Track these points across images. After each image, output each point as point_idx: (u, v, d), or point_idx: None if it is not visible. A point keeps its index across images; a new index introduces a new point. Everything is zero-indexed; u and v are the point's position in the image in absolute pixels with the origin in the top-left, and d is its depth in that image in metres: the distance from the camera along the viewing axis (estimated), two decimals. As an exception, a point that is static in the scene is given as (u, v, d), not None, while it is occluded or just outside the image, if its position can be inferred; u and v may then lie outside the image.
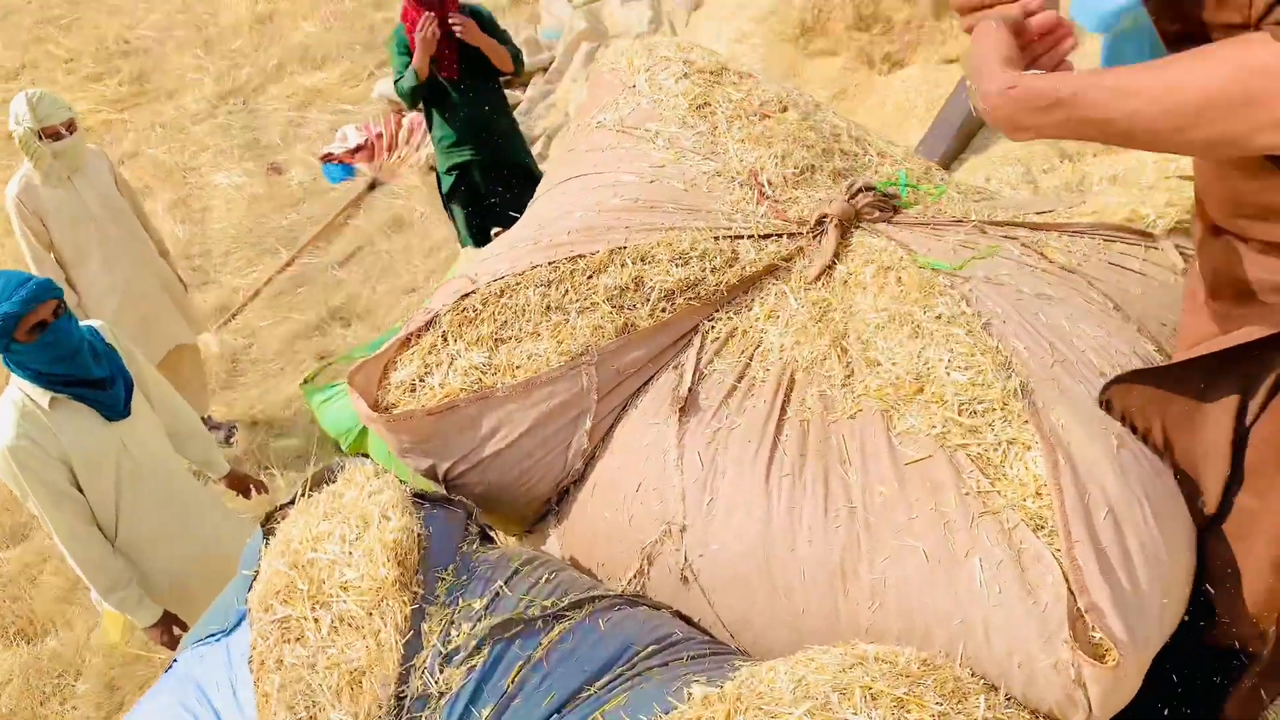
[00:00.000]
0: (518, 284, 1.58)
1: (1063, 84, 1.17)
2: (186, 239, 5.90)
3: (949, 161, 3.50)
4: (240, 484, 3.14)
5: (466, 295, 1.59)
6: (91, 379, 2.48)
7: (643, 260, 1.58)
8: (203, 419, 4.41)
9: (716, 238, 1.64)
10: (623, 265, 1.58)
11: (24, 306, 2.33)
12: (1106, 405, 1.42)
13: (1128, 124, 1.14)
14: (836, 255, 1.64)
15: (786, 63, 5.38)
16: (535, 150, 5.99)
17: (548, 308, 1.57)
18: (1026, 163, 3.44)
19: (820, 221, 1.67)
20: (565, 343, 1.56)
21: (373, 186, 6.02)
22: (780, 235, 1.68)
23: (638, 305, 1.59)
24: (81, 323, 2.56)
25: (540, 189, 2.01)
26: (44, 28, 8.98)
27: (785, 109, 1.85)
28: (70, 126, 3.63)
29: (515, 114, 6.30)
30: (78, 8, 9.29)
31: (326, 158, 6.29)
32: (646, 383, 1.63)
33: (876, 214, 1.69)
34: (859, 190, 1.69)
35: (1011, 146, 3.60)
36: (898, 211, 1.72)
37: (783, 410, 1.48)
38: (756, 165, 1.73)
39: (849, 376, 1.50)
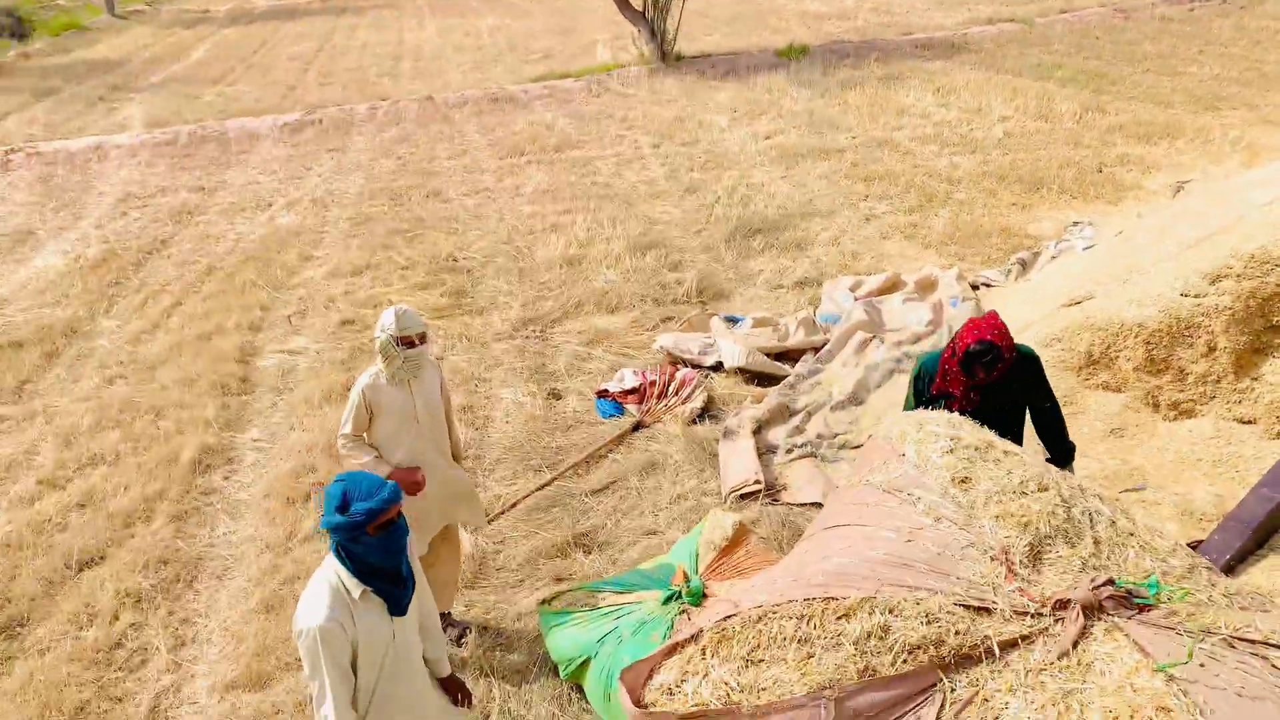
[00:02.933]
0: (774, 614, 1.68)
1: None
2: (465, 441, 6.50)
3: (1240, 559, 3.25)
4: (454, 689, 3.29)
5: (729, 617, 1.70)
6: (401, 576, 2.79)
7: (890, 612, 1.65)
8: (443, 614, 4.74)
9: (965, 606, 1.68)
10: (871, 613, 1.65)
11: (386, 505, 2.66)
12: None
13: None
14: (1077, 641, 1.64)
15: (1065, 389, 5.34)
16: (794, 422, 6.19)
17: (798, 640, 1.65)
18: (1332, 576, 3.15)
19: (1063, 605, 1.68)
20: (810, 675, 1.62)
21: (637, 428, 6.42)
22: (1026, 614, 1.70)
23: (881, 653, 1.64)
24: None
25: (808, 531, 2.14)
26: (393, 237, 10.57)
27: (1045, 489, 1.90)
28: (423, 338, 4.24)
29: (780, 386, 6.61)
30: (423, 225, 10.91)
31: (602, 393, 6.83)
32: (881, 729, 1.64)
33: (1120, 608, 1.68)
34: (1104, 584, 1.70)
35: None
36: (1141, 610, 1.71)
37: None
38: (1008, 543, 1.78)
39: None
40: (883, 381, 6.43)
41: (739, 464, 5.76)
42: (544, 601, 4.53)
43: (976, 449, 2.02)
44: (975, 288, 7.67)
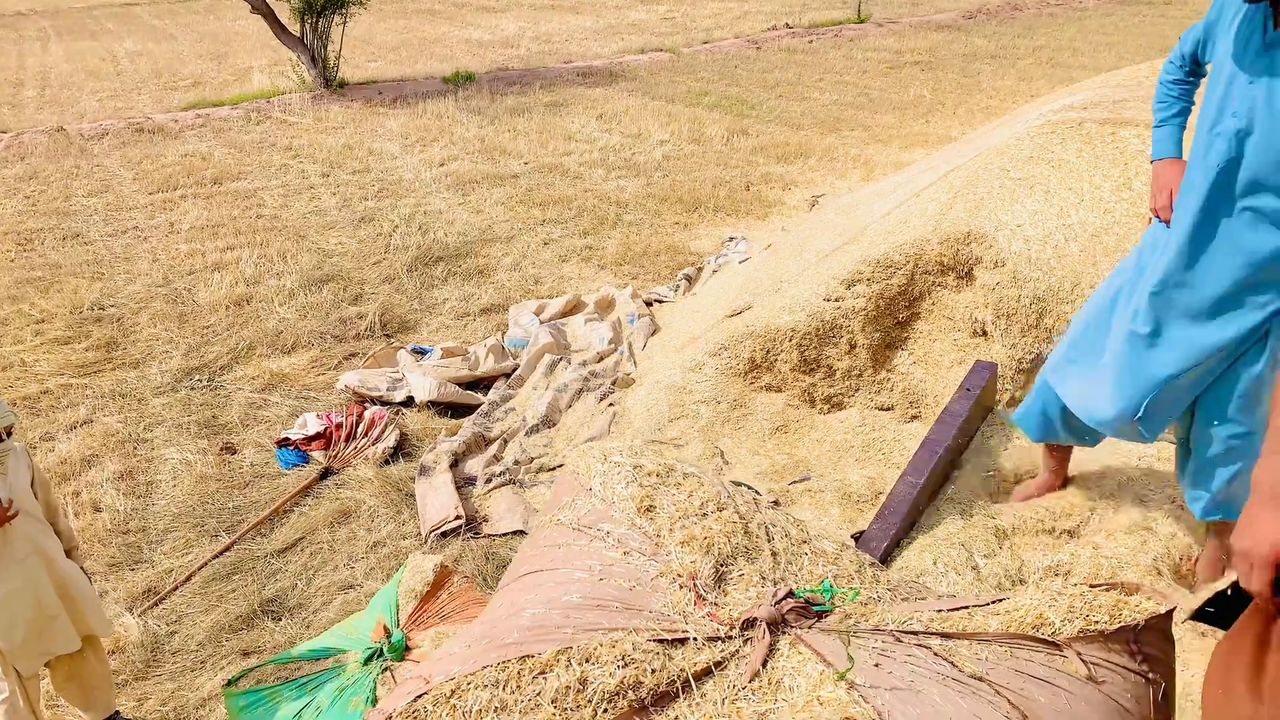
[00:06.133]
0: (468, 684, 1.62)
1: None
2: (126, 513, 5.82)
3: (896, 543, 3.71)
4: None
5: (419, 696, 1.63)
6: None
7: (588, 661, 1.65)
8: (109, 718, 4.18)
9: (660, 640, 1.73)
10: (568, 666, 1.64)
11: None
12: None
13: None
14: (766, 660, 1.74)
15: (735, 393, 5.75)
16: (491, 451, 6.15)
17: (495, 709, 1.61)
18: (969, 547, 3.65)
19: (750, 624, 1.79)
20: (508, 748, 1.58)
21: (325, 475, 6.08)
22: (716, 639, 1.78)
23: (581, 706, 1.64)
24: None
25: (502, 581, 2.11)
26: (22, 287, 9.27)
27: (723, 508, 2.01)
28: (9, 431, 3.69)
29: (474, 415, 6.56)
30: (60, 271, 9.67)
31: (282, 442, 6.39)
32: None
33: (800, 619, 1.82)
34: (785, 596, 1.83)
35: (954, 530, 3.86)
36: (820, 617, 1.85)
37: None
38: (695, 567, 1.86)
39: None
40: (573, 401, 6.58)
41: (437, 500, 5.63)
42: (229, 682, 4.13)
43: (658, 475, 2.10)
44: (649, 304, 8.09)
